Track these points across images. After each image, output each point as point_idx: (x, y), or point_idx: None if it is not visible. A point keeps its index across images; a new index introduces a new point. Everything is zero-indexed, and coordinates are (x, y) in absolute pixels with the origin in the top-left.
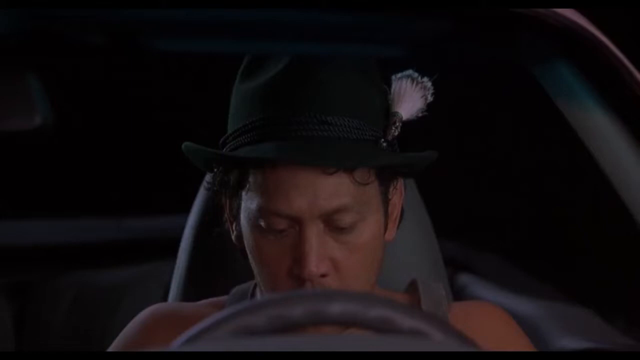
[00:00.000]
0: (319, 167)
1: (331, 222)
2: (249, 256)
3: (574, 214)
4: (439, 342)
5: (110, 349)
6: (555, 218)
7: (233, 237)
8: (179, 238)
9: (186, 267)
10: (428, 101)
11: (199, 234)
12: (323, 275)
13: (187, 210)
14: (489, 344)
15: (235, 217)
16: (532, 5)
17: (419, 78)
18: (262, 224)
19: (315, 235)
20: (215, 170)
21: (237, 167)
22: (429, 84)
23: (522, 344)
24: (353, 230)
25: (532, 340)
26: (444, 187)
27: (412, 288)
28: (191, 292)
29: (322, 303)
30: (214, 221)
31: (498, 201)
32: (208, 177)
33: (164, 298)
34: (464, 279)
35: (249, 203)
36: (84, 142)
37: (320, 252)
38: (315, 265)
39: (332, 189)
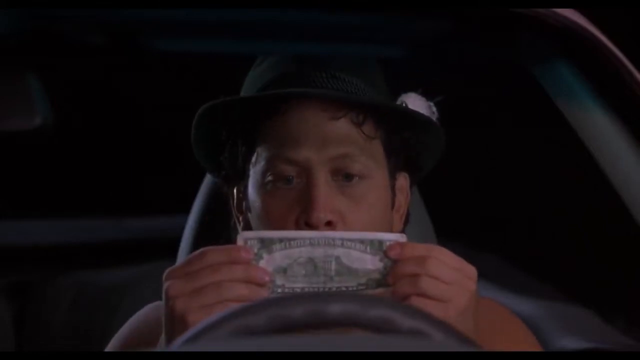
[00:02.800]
0: (327, 112)
1: (339, 171)
2: (257, 225)
3: (574, 214)
4: (439, 342)
5: (111, 344)
6: (555, 218)
7: (240, 228)
8: (179, 238)
9: None
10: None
11: (199, 234)
12: (330, 224)
13: (187, 210)
14: (492, 340)
15: (243, 202)
16: (532, 5)
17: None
18: (271, 177)
19: (323, 183)
20: (225, 145)
21: (250, 117)
22: (435, 109)
23: (525, 338)
24: (360, 185)
25: None
26: (444, 187)
27: None
28: None
29: (322, 303)
30: (214, 221)
31: (498, 201)
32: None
33: None
34: None
35: (257, 165)
36: (84, 142)
37: (328, 200)
38: (323, 210)
39: (340, 136)
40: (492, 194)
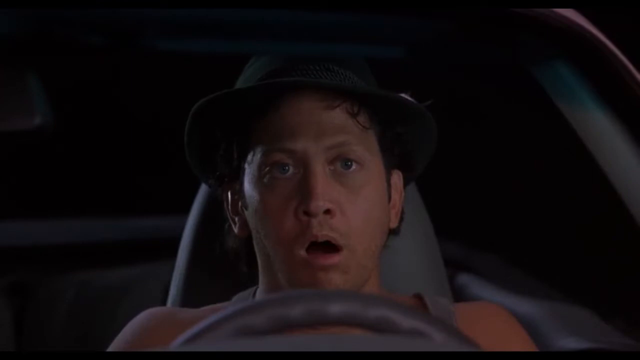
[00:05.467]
0: (323, 102)
1: (336, 159)
2: (254, 220)
3: (574, 214)
4: (439, 342)
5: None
6: (555, 218)
7: (236, 229)
8: (179, 238)
9: (186, 267)
10: None
11: (199, 234)
12: (329, 213)
13: (187, 210)
14: (492, 344)
15: (239, 202)
16: (532, 5)
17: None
18: (268, 168)
19: (320, 172)
20: (219, 145)
21: (244, 113)
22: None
23: (524, 343)
24: (357, 174)
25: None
26: (444, 187)
27: (418, 298)
28: (191, 292)
29: (322, 303)
30: (213, 221)
31: (498, 201)
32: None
33: (164, 298)
34: (464, 279)
35: (254, 160)
36: (84, 142)
37: (326, 189)
38: (321, 198)
39: (336, 126)
40: (492, 194)
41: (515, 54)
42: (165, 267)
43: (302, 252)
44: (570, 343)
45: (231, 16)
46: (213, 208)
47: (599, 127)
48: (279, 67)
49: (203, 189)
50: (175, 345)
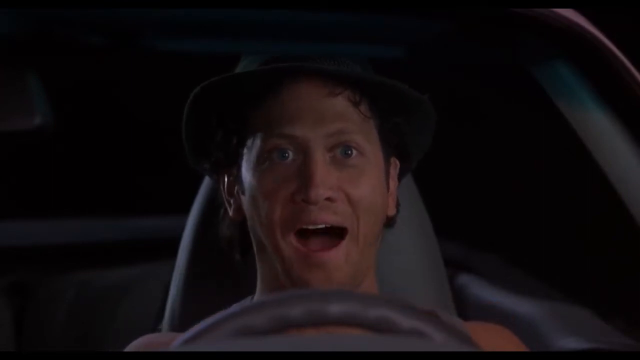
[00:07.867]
0: (324, 89)
1: (337, 146)
2: (250, 204)
3: (574, 214)
4: (439, 342)
5: None
6: (555, 218)
7: (231, 212)
8: (179, 238)
9: (186, 267)
10: None
11: (199, 234)
12: (330, 200)
13: (187, 210)
14: None
15: (235, 186)
16: (532, 5)
17: None
18: (267, 154)
19: (320, 159)
20: (217, 130)
21: (244, 99)
22: None
23: None
24: (358, 161)
25: (532, 340)
26: (444, 187)
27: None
28: (191, 292)
29: (322, 303)
30: (214, 221)
31: (498, 201)
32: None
33: (164, 298)
34: (464, 279)
35: (253, 145)
36: (84, 142)
37: (326, 176)
38: (322, 186)
39: (337, 113)
40: (492, 193)
41: (515, 54)
42: (165, 267)
43: (294, 240)
44: (570, 343)
45: (231, 16)
46: (213, 208)
47: (599, 127)
48: (279, 55)
49: (203, 189)
50: (175, 345)
